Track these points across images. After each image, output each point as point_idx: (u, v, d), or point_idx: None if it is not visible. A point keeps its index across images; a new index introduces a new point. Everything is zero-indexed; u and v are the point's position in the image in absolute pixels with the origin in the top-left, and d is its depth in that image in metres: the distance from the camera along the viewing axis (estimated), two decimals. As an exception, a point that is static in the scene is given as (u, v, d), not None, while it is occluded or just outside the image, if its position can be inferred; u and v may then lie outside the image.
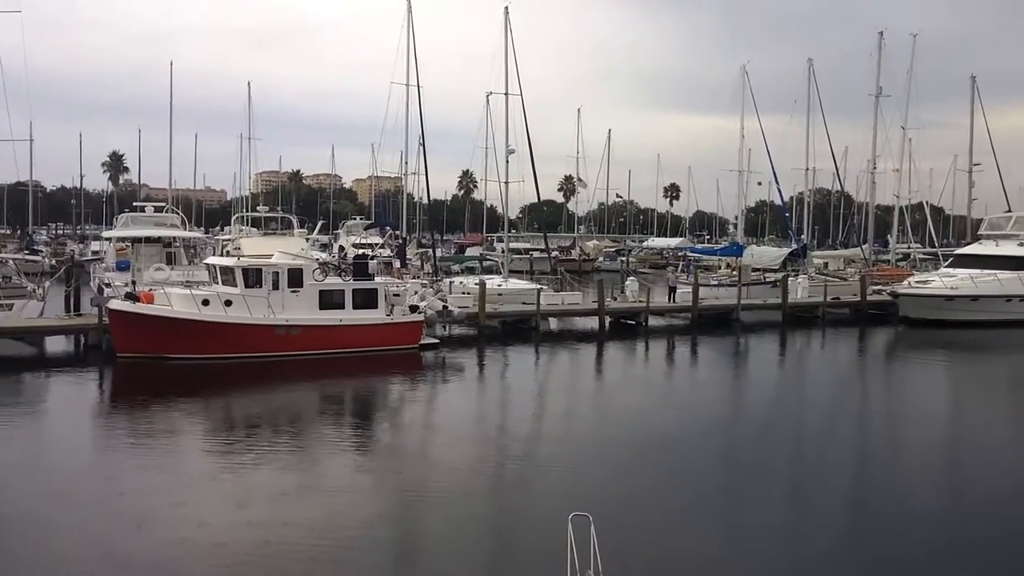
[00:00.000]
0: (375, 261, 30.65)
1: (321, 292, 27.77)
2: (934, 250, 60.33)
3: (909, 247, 66.21)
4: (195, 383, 23.77)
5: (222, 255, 34.28)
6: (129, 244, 37.05)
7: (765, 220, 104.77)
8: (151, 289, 27.20)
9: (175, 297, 26.19)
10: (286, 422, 20.52)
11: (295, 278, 27.38)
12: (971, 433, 20.96)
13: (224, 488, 14.77)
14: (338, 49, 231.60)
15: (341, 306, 28.03)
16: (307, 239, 33.82)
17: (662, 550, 12.19)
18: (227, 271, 27.30)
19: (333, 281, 28.63)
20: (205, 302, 26.23)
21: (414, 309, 29.65)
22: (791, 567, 11.93)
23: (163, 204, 44.29)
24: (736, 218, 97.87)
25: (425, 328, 30.04)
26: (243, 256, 28.47)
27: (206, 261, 31.23)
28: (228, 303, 26.35)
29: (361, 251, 37.99)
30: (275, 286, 27.01)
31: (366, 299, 28.51)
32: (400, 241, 44.37)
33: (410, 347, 29.06)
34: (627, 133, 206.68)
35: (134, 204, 45.91)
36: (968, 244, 55.30)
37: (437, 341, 30.54)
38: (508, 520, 13.70)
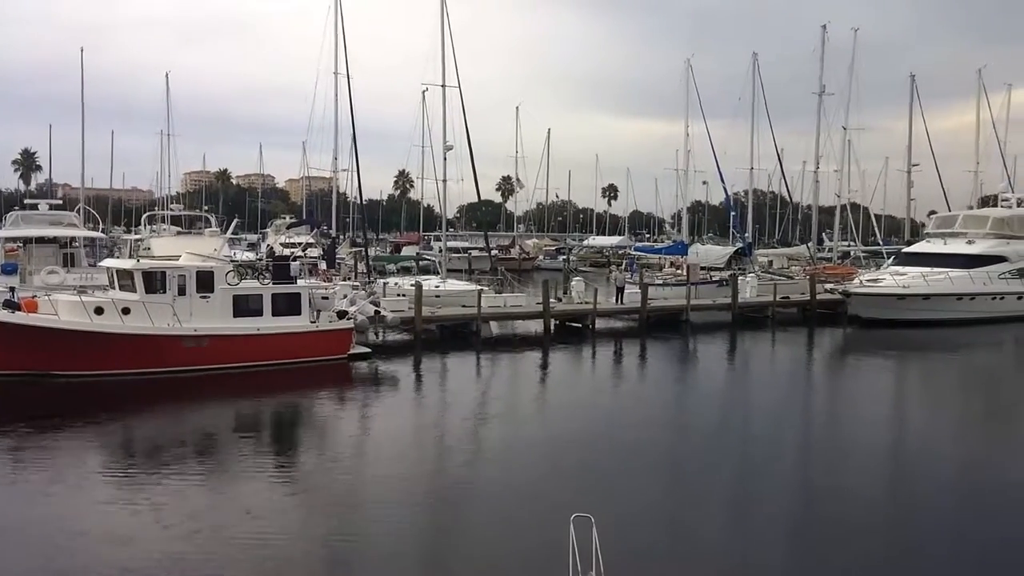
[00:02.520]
0: (297, 263, 27.69)
1: (235, 297, 24.67)
2: (876, 248, 60.20)
3: (849, 246, 66.19)
4: (86, 403, 20.90)
5: (131, 256, 31.01)
6: (21, 245, 33.13)
7: (703, 220, 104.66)
8: (35, 296, 23.74)
9: (63, 305, 22.85)
10: (194, 446, 17.75)
11: (205, 282, 24.25)
12: (921, 434, 20.48)
13: (123, 522, 12.72)
14: (270, 46, 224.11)
15: (259, 313, 24.98)
16: (223, 237, 30.37)
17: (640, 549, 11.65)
18: (125, 275, 24.05)
19: (249, 285, 25.53)
20: (98, 310, 22.91)
21: (342, 315, 26.82)
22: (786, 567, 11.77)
23: (59, 202, 40.37)
24: (674, 217, 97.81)
25: (355, 336, 27.28)
26: (153, 257, 25.27)
27: (103, 263, 27.72)
28: (126, 311, 23.08)
29: (289, 251, 35.00)
30: (181, 291, 23.87)
31: (287, 304, 25.54)
32: (330, 240, 41.19)
33: (338, 357, 26.23)
34: (566, 136, 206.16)
35: (25, 202, 41.55)
36: (908, 244, 55.29)
37: (369, 350, 27.75)
38: (494, 526, 13.07)
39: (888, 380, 29.14)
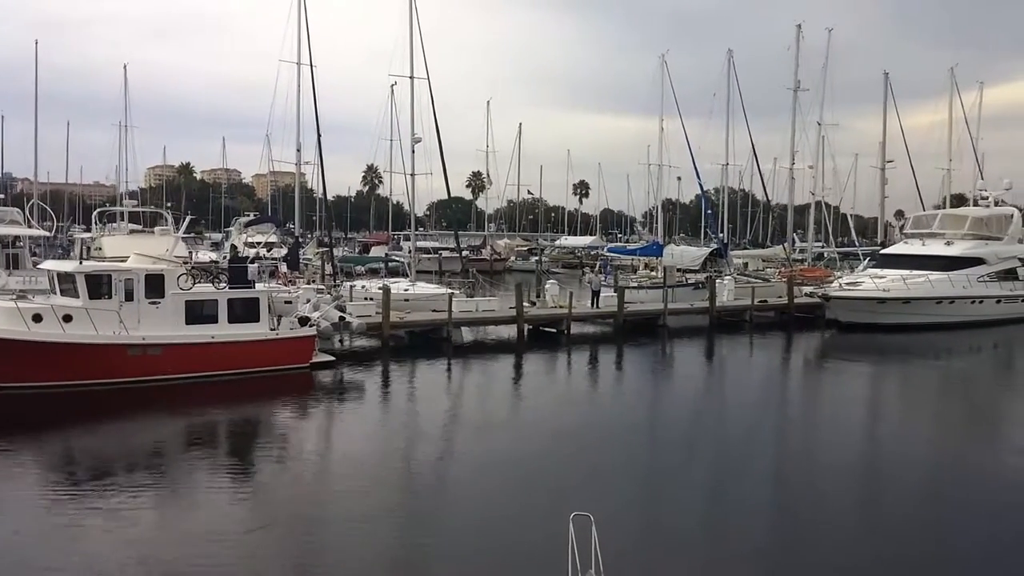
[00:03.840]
0: (255, 265, 26.00)
1: (188, 303, 22.96)
2: (853, 248, 59.75)
3: (823, 247, 65.78)
4: (22, 418, 19.27)
5: (82, 256, 29.10)
6: (-43, 246, 31.02)
7: (674, 218, 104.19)
8: (-35, 302, 21.85)
9: (-5, 311, 21.01)
10: (141, 465, 16.12)
11: (155, 286, 22.52)
12: (900, 438, 20.07)
13: (58, 550, 11.62)
14: (234, 40, 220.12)
15: (214, 319, 23.32)
16: (175, 236, 28.54)
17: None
18: (67, 278, 22.24)
19: (204, 289, 23.81)
20: (37, 317, 21.11)
21: (305, 321, 25.23)
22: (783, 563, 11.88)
23: (1, 197, 38.25)
24: (645, 216, 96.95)
25: (319, 343, 25.70)
26: (104, 258, 23.48)
27: (42, 266, 25.80)
28: (67, 318, 21.30)
29: (254, 251, 33.29)
30: (129, 296, 22.13)
31: (245, 310, 23.90)
32: (293, 240, 39.38)
33: (300, 366, 24.65)
34: (538, 133, 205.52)
35: None
36: (882, 245, 54.83)
37: (333, 358, 26.18)
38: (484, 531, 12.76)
39: (868, 385, 28.31)
